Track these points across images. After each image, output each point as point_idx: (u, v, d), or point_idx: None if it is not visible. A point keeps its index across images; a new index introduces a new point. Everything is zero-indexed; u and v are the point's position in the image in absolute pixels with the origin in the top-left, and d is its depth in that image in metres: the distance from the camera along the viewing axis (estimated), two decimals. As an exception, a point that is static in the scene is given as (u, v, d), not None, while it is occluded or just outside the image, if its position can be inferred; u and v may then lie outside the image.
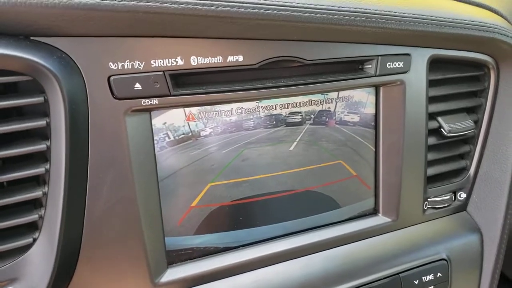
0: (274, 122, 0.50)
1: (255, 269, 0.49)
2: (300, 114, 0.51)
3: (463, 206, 0.65)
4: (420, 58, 0.55)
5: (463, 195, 0.64)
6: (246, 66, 0.44)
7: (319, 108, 0.52)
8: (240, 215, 0.50)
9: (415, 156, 0.57)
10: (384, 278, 0.54)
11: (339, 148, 0.54)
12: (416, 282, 0.55)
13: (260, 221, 0.51)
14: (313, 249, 0.53)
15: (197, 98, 0.43)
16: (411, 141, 0.56)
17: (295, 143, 0.52)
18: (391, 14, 0.48)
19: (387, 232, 0.57)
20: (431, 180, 0.61)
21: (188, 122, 0.45)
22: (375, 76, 0.52)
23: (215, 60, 0.43)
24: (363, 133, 0.55)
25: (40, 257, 0.38)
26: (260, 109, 0.49)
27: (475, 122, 0.63)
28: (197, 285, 0.47)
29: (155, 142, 0.44)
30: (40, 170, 0.38)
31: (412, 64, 0.54)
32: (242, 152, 0.49)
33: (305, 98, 0.51)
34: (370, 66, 0.52)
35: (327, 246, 0.54)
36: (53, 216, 0.38)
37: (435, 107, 0.59)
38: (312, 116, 0.52)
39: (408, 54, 0.53)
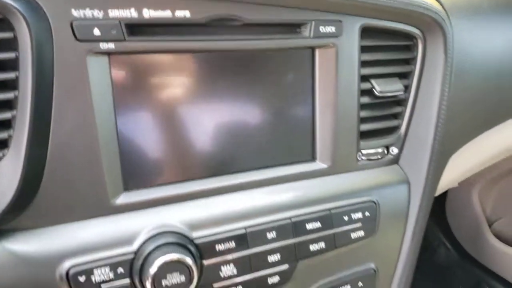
0: (223, 78, 0.58)
1: (201, 198, 0.58)
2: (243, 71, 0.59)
3: (395, 160, 0.74)
4: (351, 25, 0.63)
5: (395, 150, 0.73)
6: (193, 21, 0.52)
7: (260, 66, 0.60)
8: (194, 151, 0.57)
9: (348, 112, 0.66)
10: (317, 212, 0.62)
11: (280, 102, 0.62)
12: (346, 218, 0.64)
13: (209, 159, 0.59)
14: (255, 184, 0.61)
15: (149, 45, 0.51)
16: (344, 99, 0.65)
17: (239, 95, 0.60)
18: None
19: (323, 176, 0.66)
20: (366, 135, 0.70)
21: (145, 67, 0.53)
22: (310, 38, 0.60)
23: (165, 14, 0.51)
24: (301, 91, 0.63)
25: (8, 169, 0.45)
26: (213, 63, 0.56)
27: (406, 86, 0.72)
28: (148, 208, 0.54)
29: (113, 81, 0.51)
30: (9, 95, 0.45)
31: (344, 30, 0.63)
32: (194, 99, 0.56)
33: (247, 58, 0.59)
34: (305, 29, 0.60)
35: (268, 183, 0.62)
36: (20, 136, 0.45)
37: (368, 70, 0.68)
38: (253, 73, 0.60)
39: (339, 21, 0.62)
